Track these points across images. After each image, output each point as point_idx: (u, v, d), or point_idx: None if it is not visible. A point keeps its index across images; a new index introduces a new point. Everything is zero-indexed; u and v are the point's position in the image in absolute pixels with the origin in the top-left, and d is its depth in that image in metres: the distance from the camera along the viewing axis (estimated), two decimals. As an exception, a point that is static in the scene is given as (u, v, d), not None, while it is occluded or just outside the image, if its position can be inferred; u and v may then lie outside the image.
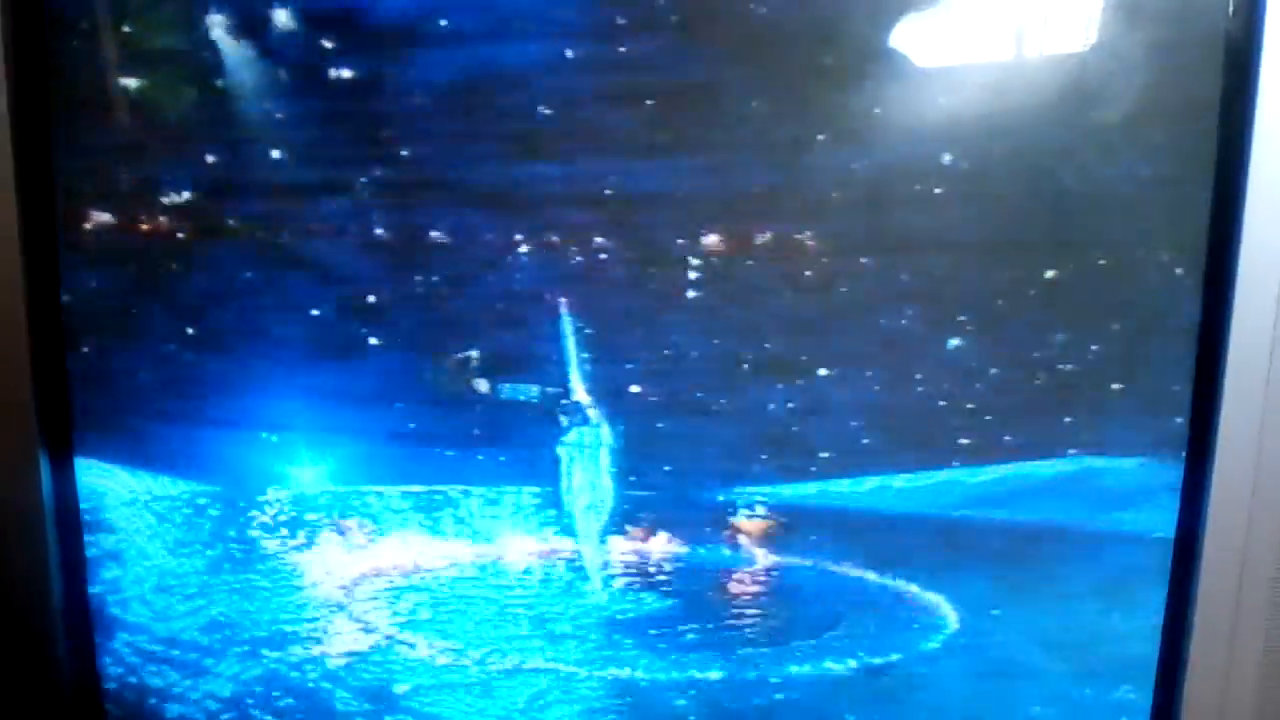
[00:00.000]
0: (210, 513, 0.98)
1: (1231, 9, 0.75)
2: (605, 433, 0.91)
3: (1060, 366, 0.84)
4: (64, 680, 0.98)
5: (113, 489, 0.98)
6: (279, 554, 0.98)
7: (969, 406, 0.86)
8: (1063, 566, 0.89)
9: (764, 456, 0.90)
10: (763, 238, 0.85)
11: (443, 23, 0.84)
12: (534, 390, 0.90)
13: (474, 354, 0.91)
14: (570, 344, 0.89)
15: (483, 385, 0.91)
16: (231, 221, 0.91)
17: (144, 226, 0.92)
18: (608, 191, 0.86)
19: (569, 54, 0.83)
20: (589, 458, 0.92)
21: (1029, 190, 0.81)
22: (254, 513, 0.98)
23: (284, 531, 0.97)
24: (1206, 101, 0.77)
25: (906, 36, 0.80)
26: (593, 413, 0.90)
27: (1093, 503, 0.87)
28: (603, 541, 0.94)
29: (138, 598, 1.00)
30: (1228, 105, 0.77)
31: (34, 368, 0.92)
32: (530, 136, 0.85)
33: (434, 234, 0.89)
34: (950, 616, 0.91)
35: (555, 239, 0.87)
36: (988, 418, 0.86)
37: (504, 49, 0.84)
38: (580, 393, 0.90)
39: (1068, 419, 0.85)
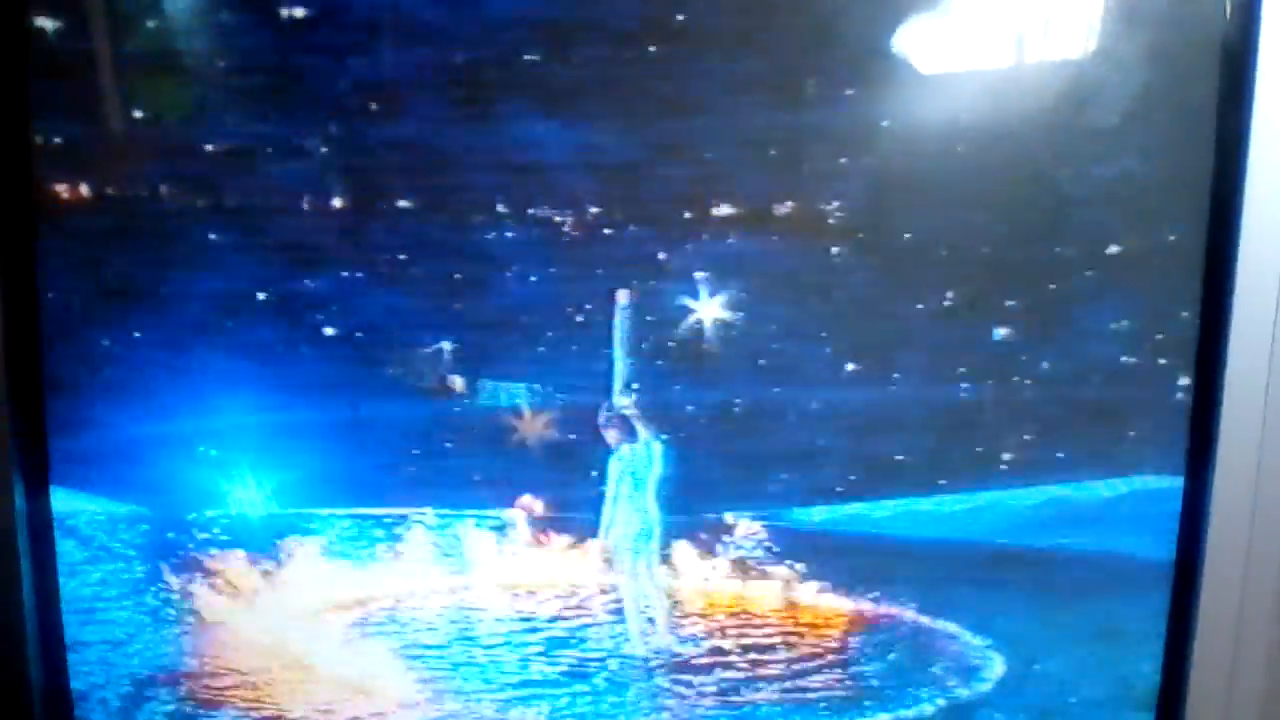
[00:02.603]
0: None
1: (1228, 12, 0.76)
2: (611, 449, 0.86)
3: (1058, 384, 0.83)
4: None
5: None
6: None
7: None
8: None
9: (784, 476, 0.86)
10: (771, 234, 0.82)
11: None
12: (520, 390, 0.85)
13: (446, 346, 0.85)
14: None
15: (458, 383, 0.86)
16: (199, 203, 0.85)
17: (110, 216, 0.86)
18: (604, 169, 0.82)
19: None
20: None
21: (1031, 195, 0.81)
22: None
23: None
24: (1203, 105, 0.78)
25: (905, 42, 0.79)
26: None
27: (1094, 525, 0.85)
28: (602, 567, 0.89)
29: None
30: (1224, 109, 0.77)
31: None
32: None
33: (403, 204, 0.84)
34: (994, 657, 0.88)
35: (539, 216, 0.83)
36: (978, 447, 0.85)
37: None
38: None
39: (1072, 439, 0.84)
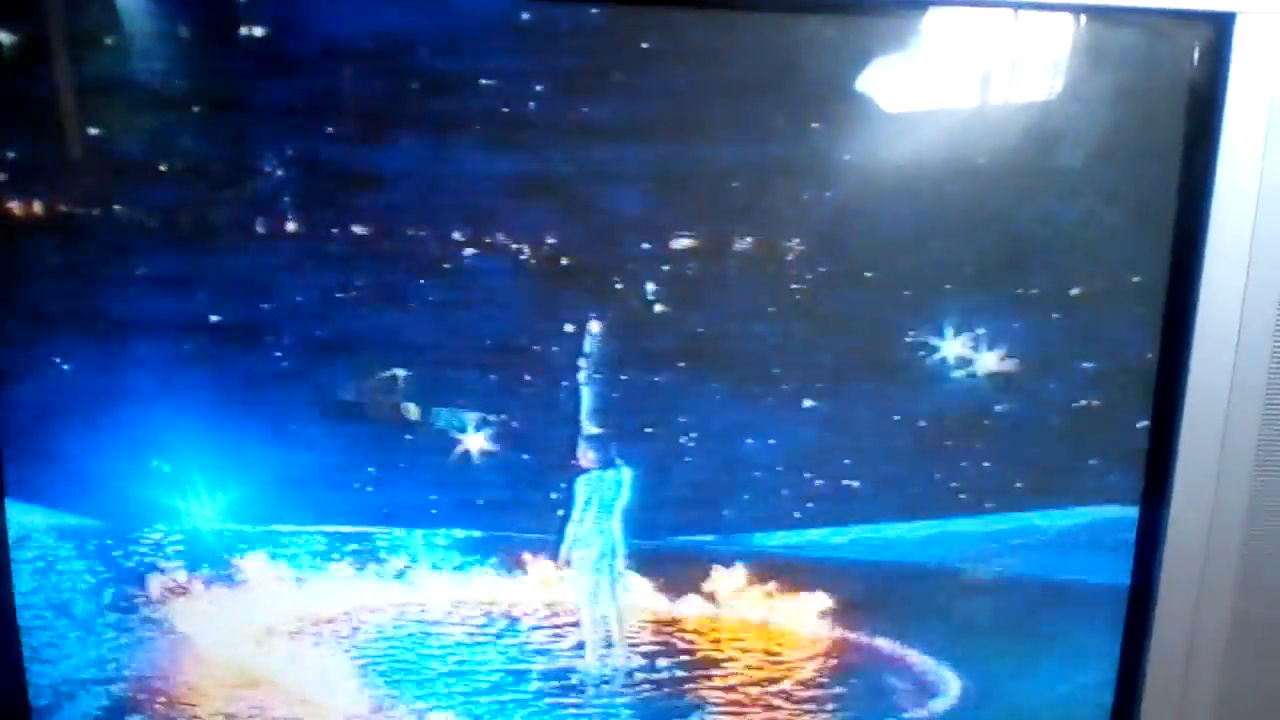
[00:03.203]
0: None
1: (1195, 56, 0.76)
2: (577, 472, 0.85)
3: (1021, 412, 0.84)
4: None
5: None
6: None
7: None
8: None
9: (746, 501, 0.86)
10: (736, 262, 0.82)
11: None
12: (472, 418, 0.84)
13: (401, 373, 0.84)
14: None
15: (413, 411, 0.85)
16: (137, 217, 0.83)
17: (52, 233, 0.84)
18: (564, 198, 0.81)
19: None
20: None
21: (996, 234, 0.81)
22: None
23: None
24: (1168, 148, 0.78)
25: (871, 79, 0.79)
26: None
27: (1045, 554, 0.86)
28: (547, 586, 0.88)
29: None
30: (1189, 152, 0.77)
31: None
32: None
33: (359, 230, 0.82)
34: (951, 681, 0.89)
35: (497, 241, 0.82)
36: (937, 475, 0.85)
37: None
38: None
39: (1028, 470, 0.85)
